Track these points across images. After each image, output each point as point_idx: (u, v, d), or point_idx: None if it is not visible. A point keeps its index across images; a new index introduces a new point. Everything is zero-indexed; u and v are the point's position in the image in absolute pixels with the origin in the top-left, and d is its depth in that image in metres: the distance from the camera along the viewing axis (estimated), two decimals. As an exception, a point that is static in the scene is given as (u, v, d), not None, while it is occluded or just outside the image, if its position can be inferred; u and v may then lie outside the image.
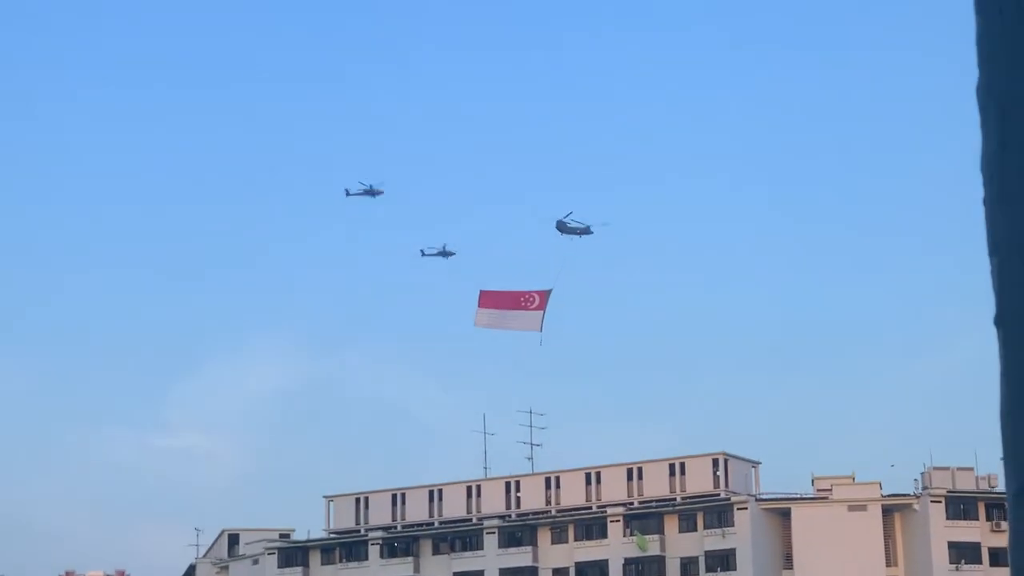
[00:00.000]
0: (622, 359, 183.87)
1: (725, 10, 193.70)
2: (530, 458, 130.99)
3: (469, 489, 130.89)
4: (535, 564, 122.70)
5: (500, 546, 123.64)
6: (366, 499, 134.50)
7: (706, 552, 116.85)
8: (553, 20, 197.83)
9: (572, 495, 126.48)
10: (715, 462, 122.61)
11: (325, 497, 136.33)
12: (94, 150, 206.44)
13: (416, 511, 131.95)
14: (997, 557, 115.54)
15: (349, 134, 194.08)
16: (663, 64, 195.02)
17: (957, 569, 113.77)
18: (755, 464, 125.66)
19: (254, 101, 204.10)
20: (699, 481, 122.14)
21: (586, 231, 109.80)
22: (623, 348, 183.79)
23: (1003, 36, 1.97)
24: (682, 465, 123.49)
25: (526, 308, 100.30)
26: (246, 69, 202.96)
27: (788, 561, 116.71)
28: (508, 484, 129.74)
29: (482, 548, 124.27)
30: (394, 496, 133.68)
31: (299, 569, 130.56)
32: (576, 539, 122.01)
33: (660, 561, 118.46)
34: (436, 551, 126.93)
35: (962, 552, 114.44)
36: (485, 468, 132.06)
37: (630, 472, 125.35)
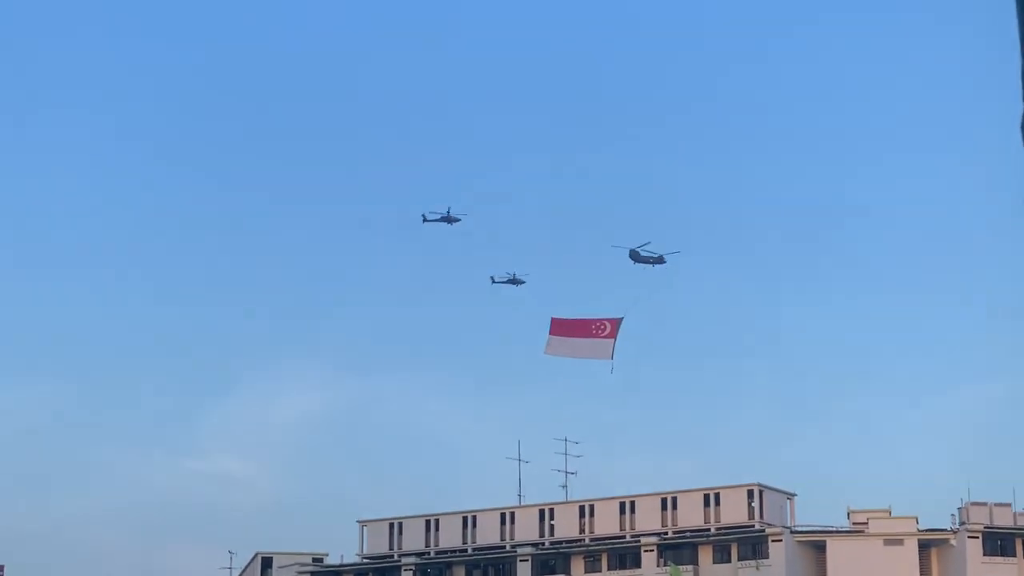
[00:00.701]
0: (661, 387, 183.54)
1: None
2: (564, 486, 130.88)
3: (503, 516, 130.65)
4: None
5: (533, 574, 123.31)
6: (400, 524, 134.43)
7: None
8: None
9: (606, 524, 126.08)
10: (750, 493, 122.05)
11: (359, 522, 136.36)
12: (135, 166, 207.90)
13: (449, 537, 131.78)
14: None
15: (419, 156, 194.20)
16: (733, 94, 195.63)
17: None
18: (790, 496, 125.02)
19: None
20: (734, 512, 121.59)
21: (659, 260, 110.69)
22: (663, 377, 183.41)
23: None
24: (717, 496, 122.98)
25: (597, 336, 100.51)
26: (321, 81, 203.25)
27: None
28: (542, 512, 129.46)
29: (516, 575, 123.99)
30: (428, 522, 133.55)
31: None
32: (610, 568, 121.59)
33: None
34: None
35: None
36: (519, 495, 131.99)
37: (664, 502, 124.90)
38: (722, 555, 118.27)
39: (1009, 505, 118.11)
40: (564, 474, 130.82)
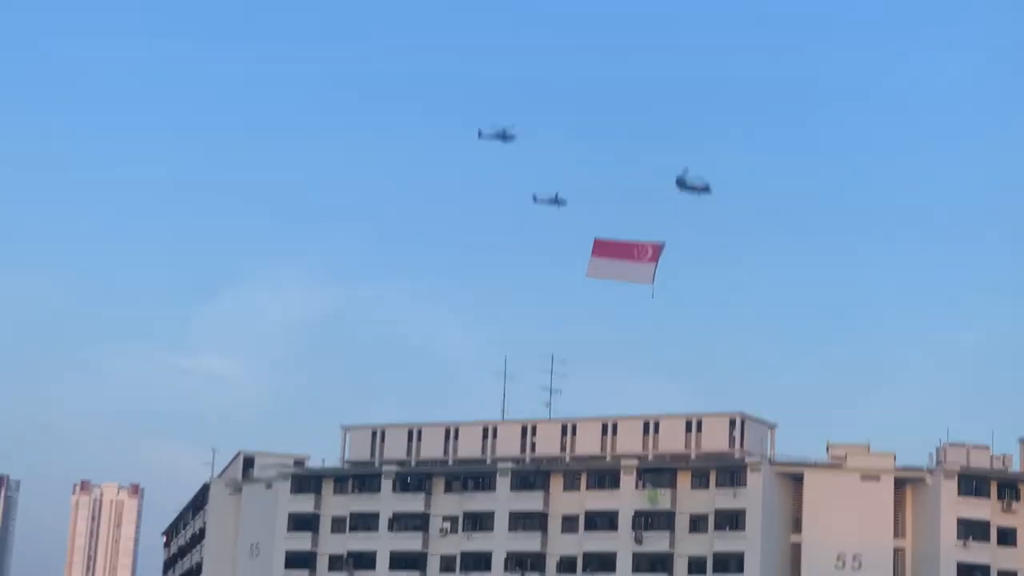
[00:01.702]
0: (652, 313, 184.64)
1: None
2: (548, 404, 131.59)
3: (485, 430, 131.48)
4: (545, 510, 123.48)
5: (512, 489, 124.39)
6: (383, 432, 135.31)
7: (716, 510, 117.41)
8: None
9: (587, 444, 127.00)
10: (732, 422, 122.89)
11: (342, 427, 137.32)
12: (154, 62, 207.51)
13: (432, 448, 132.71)
14: (1006, 536, 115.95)
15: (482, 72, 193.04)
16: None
17: (964, 545, 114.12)
18: (771, 427, 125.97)
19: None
20: (715, 439, 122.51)
21: (705, 189, 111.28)
22: (656, 303, 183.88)
23: None
24: (699, 422, 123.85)
25: (639, 260, 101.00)
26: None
27: (797, 525, 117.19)
28: (524, 428, 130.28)
29: (494, 489, 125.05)
30: (410, 431, 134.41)
31: (311, 496, 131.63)
32: (588, 487, 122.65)
33: (670, 516, 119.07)
34: (448, 489, 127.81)
35: (971, 529, 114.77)
36: (503, 410, 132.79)
37: (647, 425, 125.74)
38: (700, 481, 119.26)
39: (987, 447, 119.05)
40: (549, 392, 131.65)
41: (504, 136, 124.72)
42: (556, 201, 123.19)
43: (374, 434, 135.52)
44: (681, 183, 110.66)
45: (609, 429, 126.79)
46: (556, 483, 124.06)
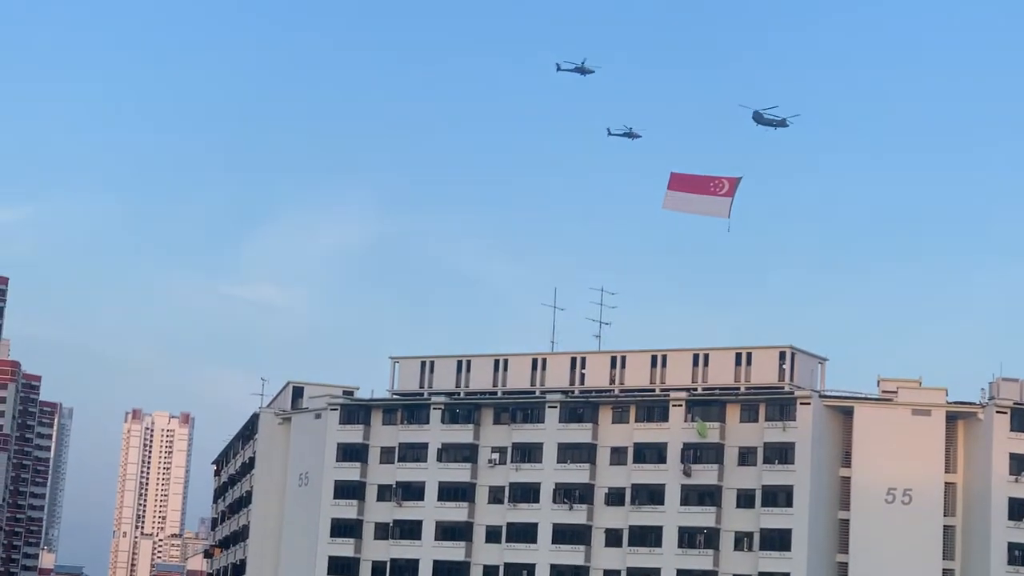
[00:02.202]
0: (702, 245, 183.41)
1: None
2: (598, 336, 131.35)
3: (534, 362, 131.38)
4: (594, 441, 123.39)
5: (561, 421, 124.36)
6: (431, 363, 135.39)
7: (765, 444, 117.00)
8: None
9: (636, 376, 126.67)
10: (782, 355, 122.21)
11: (391, 358, 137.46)
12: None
13: (480, 379, 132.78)
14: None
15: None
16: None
17: (1016, 480, 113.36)
18: (822, 360, 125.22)
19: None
20: (764, 373, 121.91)
21: (782, 123, 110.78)
22: (705, 235, 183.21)
23: None
24: (748, 355, 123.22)
25: (715, 194, 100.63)
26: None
27: (847, 459, 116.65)
28: (573, 360, 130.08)
29: (543, 422, 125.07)
30: (459, 363, 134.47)
31: (360, 427, 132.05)
32: (637, 420, 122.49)
33: (719, 449, 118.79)
34: (497, 420, 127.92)
35: (1023, 464, 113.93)
36: (552, 342, 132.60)
37: (696, 358, 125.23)
38: (750, 414, 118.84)
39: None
40: (598, 323, 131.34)
41: (583, 70, 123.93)
42: (630, 134, 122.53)
43: (423, 365, 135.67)
44: (758, 117, 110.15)
45: (658, 361, 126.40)
46: (605, 415, 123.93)
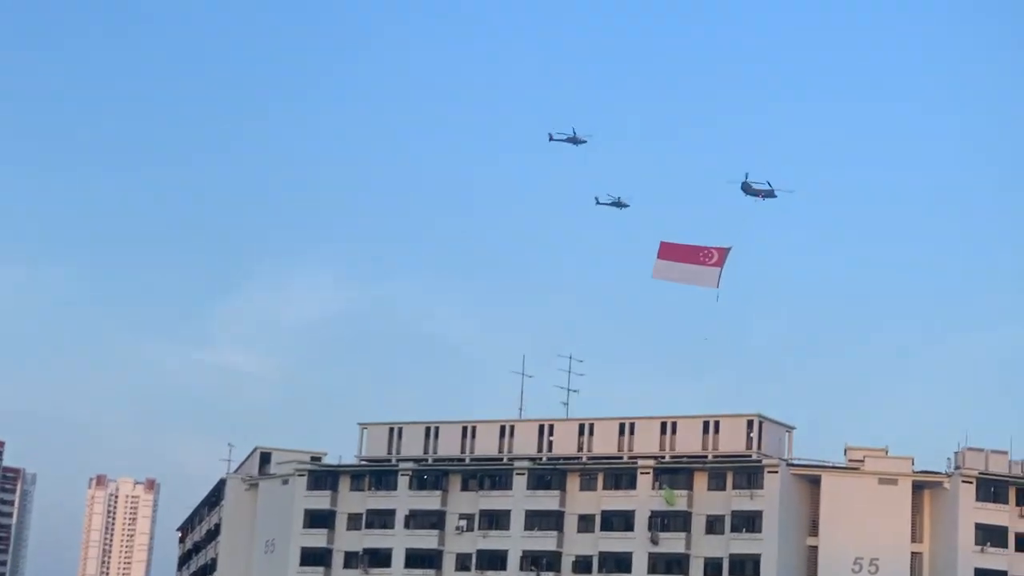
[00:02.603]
0: (670, 312, 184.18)
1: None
2: (565, 403, 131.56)
3: (503, 428, 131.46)
4: (562, 509, 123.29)
5: (529, 488, 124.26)
6: (400, 429, 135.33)
7: (733, 512, 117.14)
8: None
9: (604, 443, 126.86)
10: (749, 423, 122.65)
11: (359, 424, 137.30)
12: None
13: (448, 446, 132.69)
14: (1023, 542, 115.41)
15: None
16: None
17: (982, 551, 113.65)
18: (789, 429, 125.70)
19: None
20: (732, 441, 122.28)
21: (770, 194, 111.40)
22: (672, 302, 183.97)
23: None
24: (716, 423, 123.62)
25: (705, 264, 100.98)
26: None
27: (814, 528, 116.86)
28: (542, 427, 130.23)
29: (511, 488, 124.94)
30: (427, 429, 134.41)
31: (328, 493, 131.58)
32: (605, 487, 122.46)
33: (686, 517, 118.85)
34: (465, 487, 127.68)
35: (989, 535, 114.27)
36: (520, 409, 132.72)
37: (664, 426, 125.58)
38: (717, 483, 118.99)
39: (1006, 453, 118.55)
40: (566, 391, 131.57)
41: (575, 140, 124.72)
42: (618, 204, 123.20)
43: (391, 431, 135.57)
44: (747, 188, 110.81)
45: (626, 429, 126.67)
46: (572, 482, 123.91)
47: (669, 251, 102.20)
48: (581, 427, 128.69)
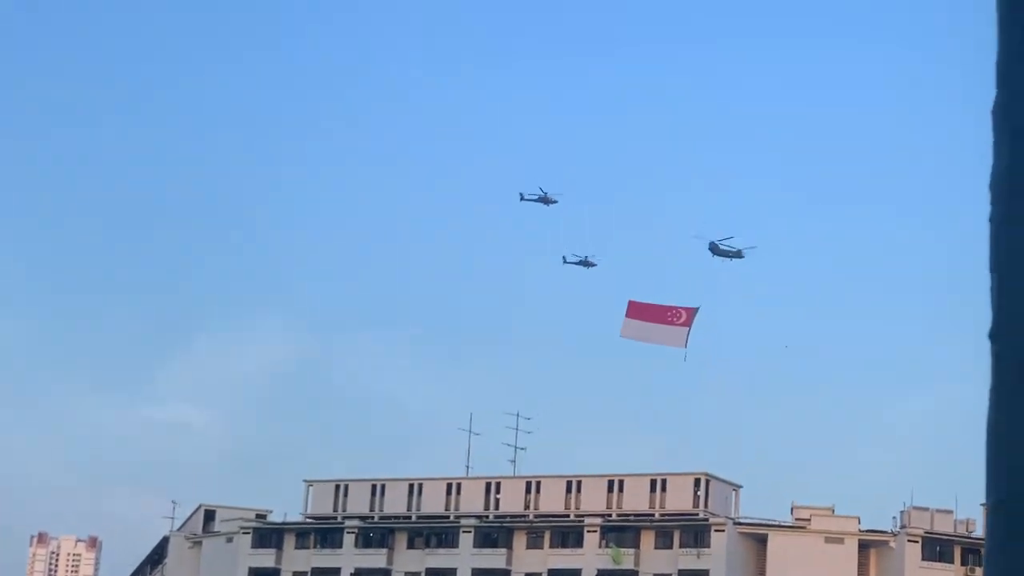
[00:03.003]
0: (619, 371, 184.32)
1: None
2: (513, 461, 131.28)
3: (449, 486, 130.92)
4: (508, 567, 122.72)
5: (475, 546, 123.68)
6: (346, 487, 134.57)
7: (680, 570, 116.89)
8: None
9: (551, 502, 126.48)
10: (696, 482, 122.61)
11: (305, 481, 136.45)
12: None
13: (395, 503, 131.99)
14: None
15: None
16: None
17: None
18: (736, 487, 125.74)
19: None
20: (679, 499, 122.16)
21: (738, 255, 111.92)
22: (622, 361, 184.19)
23: (1020, 57, 2.07)
24: (663, 482, 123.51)
25: (673, 323, 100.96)
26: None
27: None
28: (489, 485, 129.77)
29: (457, 546, 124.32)
30: (374, 486, 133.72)
31: (272, 551, 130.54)
32: (552, 546, 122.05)
33: (633, 575, 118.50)
34: (411, 545, 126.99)
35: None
36: (467, 467, 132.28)
37: (611, 484, 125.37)
38: (664, 541, 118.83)
39: (951, 512, 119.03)
40: (514, 449, 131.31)
41: (546, 200, 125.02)
42: (585, 263, 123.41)
43: (337, 488, 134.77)
44: (715, 248, 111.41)
45: (573, 487, 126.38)
46: (519, 541, 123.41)
47: (637, 311, 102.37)
48: (528, 485, 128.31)
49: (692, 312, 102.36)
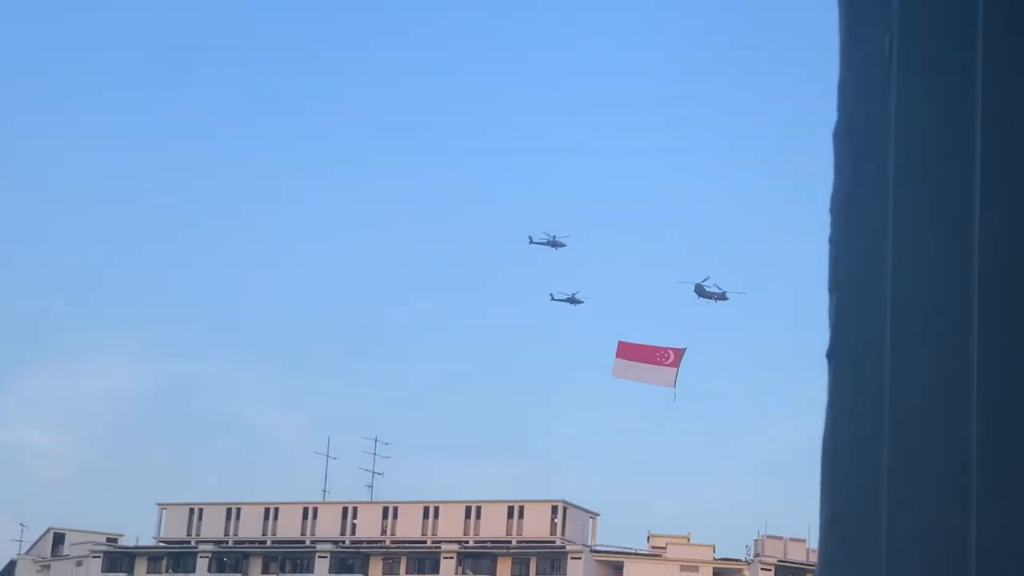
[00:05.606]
0: (476, 395, 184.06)
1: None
2: (370, 486, 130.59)
3: (305, 511, 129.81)
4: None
5: (331, 571, 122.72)
6: (200, 510, 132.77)
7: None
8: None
9: (408, 527, 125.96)
10: (554, 509, 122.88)
11: (158, 504, 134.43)
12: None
13: (250, 528, 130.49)
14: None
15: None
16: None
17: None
18: (593, 515, 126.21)
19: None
20: (536, 526, 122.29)
21: (722, 297, 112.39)
22: (478, 385, 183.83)
23: (860, 84, 2.09)
24: (521, 509, 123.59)
25: (661, 363, 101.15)
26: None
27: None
28: (345, 509, 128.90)
29: (313, 572, 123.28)
30: (228, 510, 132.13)
31: None
32: (408, 572, 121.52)
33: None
34: (266, 570, 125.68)
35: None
36: (324, 491, 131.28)
37: (468, 510, 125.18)
38: (521, 568, 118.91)
39: (804, 541, 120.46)
40: (371, 474, 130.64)
41: (554, 243, 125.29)
42: (572, 300, 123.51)
43: (191, 512, 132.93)
44: (700, 290, 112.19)
45: (431, 513, 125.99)
46: (376, 566, 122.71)
47: (627, 350, 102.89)
48: (385, 510, 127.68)
49: (680, 352, 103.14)
